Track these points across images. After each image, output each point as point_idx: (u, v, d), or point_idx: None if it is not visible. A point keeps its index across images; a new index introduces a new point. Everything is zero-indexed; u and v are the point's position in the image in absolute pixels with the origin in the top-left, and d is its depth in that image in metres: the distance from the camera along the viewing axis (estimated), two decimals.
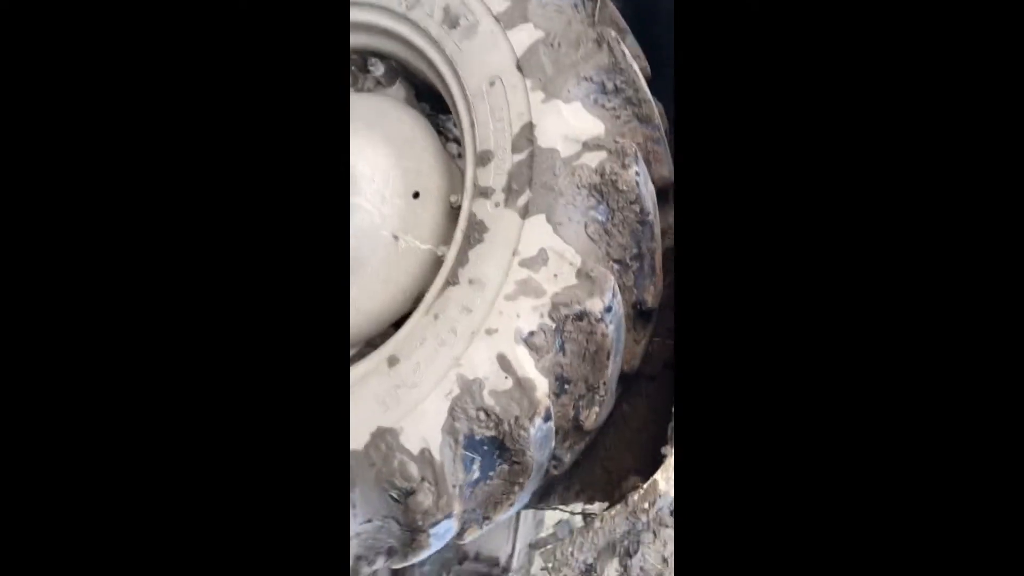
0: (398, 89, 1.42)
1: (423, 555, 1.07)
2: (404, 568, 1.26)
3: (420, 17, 1.21)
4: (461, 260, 1.06)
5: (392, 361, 1.06)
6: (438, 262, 1.23)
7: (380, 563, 1.13)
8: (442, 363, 1.01)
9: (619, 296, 0.99)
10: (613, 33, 1.07)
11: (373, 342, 1.29)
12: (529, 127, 1.05)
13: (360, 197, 1.25)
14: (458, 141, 1.37)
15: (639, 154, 1.01)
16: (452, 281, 1.06)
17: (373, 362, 1.09)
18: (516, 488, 1.04)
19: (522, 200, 1.03)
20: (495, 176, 1.07)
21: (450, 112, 1.26)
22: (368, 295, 1.26)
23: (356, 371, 1.10)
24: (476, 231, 1.06)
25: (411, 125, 1.34)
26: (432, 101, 1.45)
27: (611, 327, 0.98)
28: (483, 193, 1.08)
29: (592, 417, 1.04)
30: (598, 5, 1.14)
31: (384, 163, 1.28)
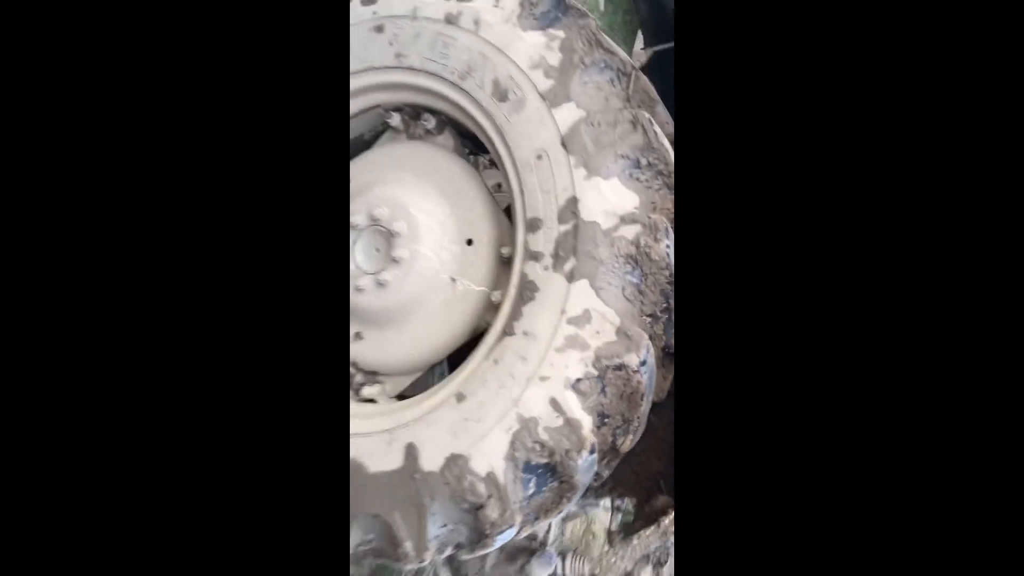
0: (446, 138, 1.58)
1: (487, 552, 1.32)
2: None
3: (471, 87, 1.36)
4: (515, 314, 1.26)
5: (460, 398, 1.28)
6: (490, 302, 1.43)
7: (449, 551, 1.38)
8: (503, 403, 1.23)
9: (652, 350, 1.19)
10: (646, 115, 1.22)
11: (432, 370, 1.51)
12: (573, 201, 1.22)
13: (422, 245, 1.43)
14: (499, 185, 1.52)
15: (669, 228, 1.18)
16: (508, 332, 1.26)
17: (442, 397, 1.31)
18: (564, 501, 1.27)
19: (568, 266, 1.21)
20: (544, 242, 1.25)
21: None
22: (429, 330, 1.47)
23: (428, 403, 1.32)
24: (528, 289, 1.25)
25: (461, 176, 1.50)
26: (476, 143, 1.59)
27: (645, 376, 1.18)
28: (533, 256, 1.26)
29: (627, 443, 1.26)
30: (632, 80, 1.28)
31: (440, 213, 1.46)
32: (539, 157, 1.27)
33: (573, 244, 1.21)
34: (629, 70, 1.28)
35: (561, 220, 1.23)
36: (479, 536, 1.26)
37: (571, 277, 1.21)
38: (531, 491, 1.25)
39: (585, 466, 1.20)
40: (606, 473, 1.33)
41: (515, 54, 1.30)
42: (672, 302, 1.22)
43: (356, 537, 1.35)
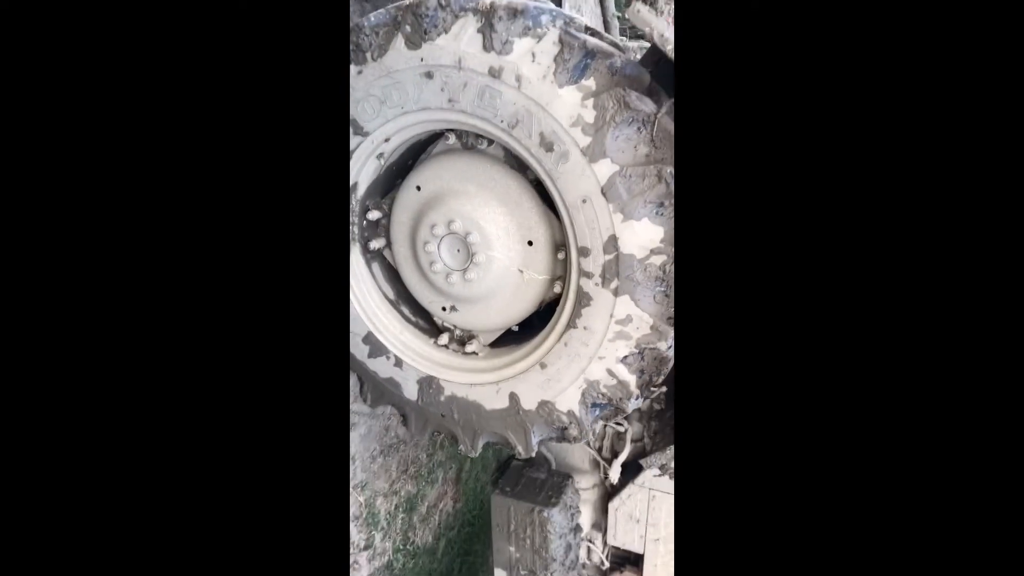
0: (497, 148, 1.88)
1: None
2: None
3: (521, 136, 1.65)
4: (577, 313, 1.77)
5: (543, 366, 1.87)
6: (551, 285, 1.92)
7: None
8: (574, 372, 1.82)
9: (673, 338, 1.71)
10: (668, 169, 1.54)
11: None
12: (613, 239, 1.63)
13: (494, 250, 1.88)
14: None
15: None
16: (572, 325, 1.78)
17: (529, 363, 1.90)
18: (617, 414, 1.94)
19: (613, 285, 1.68)
20: (593, 265, 1.69)
21: None
22: (507, 305, 2.00)
23: (520, 365, 1.92)
24: (584, 299, 1.73)
25: (516, 189, 1.85)
26: None
27: (670, 352, 1.73)
28: (585, 274, 1.71)
29: (660, 381, 1.87)
30: (654, 126, 1.56)
31: (503, 220, 1.87)
32: (584, 201, 1.63)
33: (616, 269, 1.65)
34: (652, 118, 1.55)
35: (605, 251, 1.65)
36: (565, 441, 1.97)
37: (616, 293, 1.68)
38: (596, 414, 1.92)
39: (632, 405, 1.83)
40: (643, 404, 1.96)
41: (556, 111, 1.57)
42: None
43: (482, 442, 2.08)
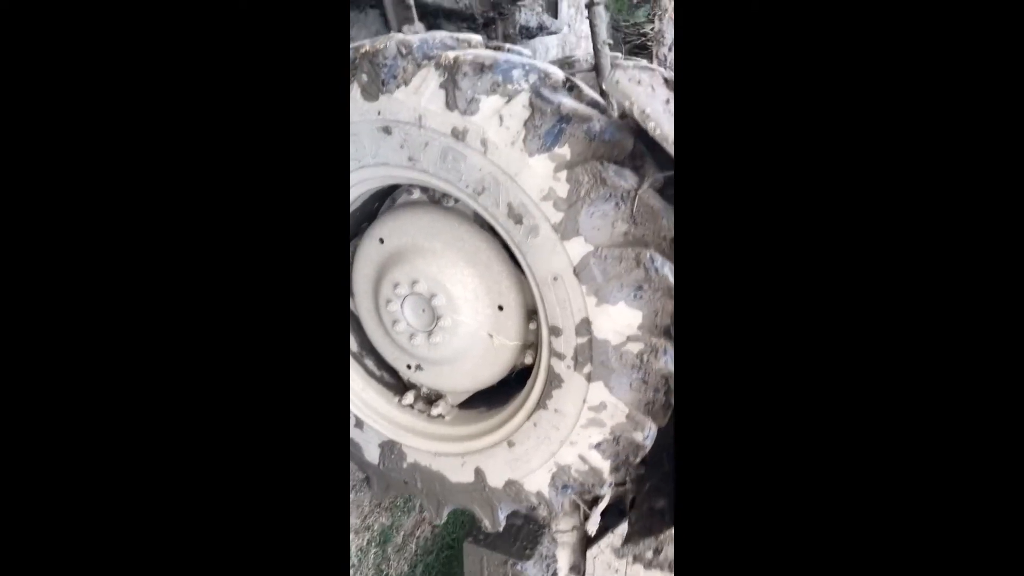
0: (465, 204, 1.70)
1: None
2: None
3: (487, 203, 1.48)
4: (547, 394, 1.61)
5: (510, 444, 1.72)
6: (523, 349, 1.76)
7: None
8: (543, 454, 1.67)
9: (654, 429, 1.55)
10: (648, 254, 1.37)
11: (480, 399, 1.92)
12: (586, 322, 1.46)
13: (461, 314, 1.72)
14: None
15: (667, 347, 1.44)
16: (543, 406, 1.63)
17: (496, 439, 1.75)
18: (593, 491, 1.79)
19: (586, 369, 1.52)
20: (565, 346, 1.52)
21: None
22: (475, 369, 1.84)
23: (486, 440, 1.77)
24: (555, 380, 1.58)
25: (486, 249, 1.69)
26: None
27: (648, 441, 1.58)
28: (556, 355, 1.55)
29: (636, 462, 1.72)
30: (634, 202, 1.39)
31: (472, 283, 1.70)
32: (555, 279, 1.46)
33: (589, 354, 1.49)
34: (632, 194, 1.37)
35: (578, 333, 1.49)
36: (534, 524, 1.83)
37: (589, 378, 1.52)
38: (567, 493, 1.77)
39: (604, 490, 1.68)
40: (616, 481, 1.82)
41: (525, 183, 1.39)
42: (672, 382, 1.54)
43: (447, 511, 1.95)
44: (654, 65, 2.99)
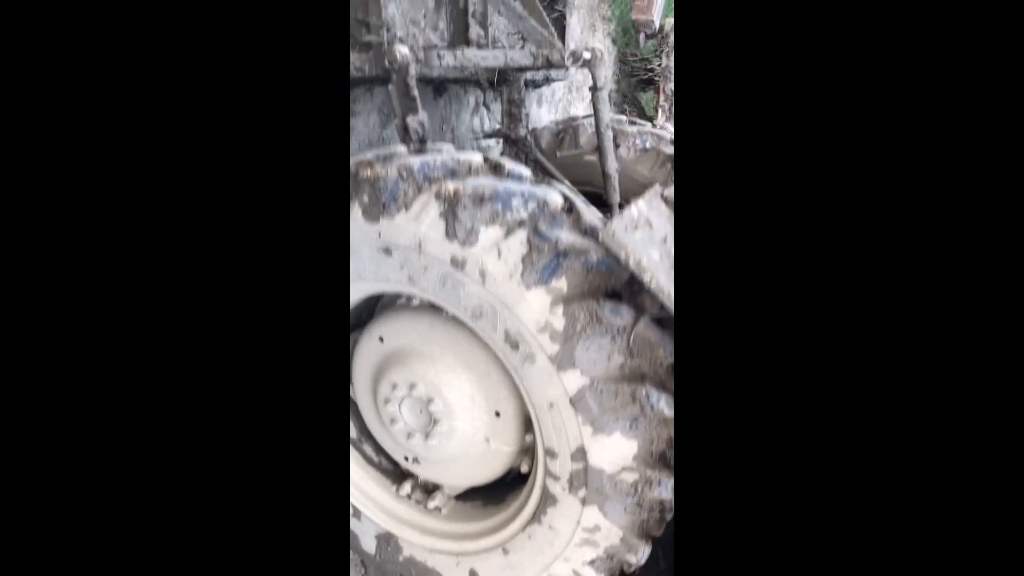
0: None
1: None
2: None
3: (485, 328, 1.48)
4: (542, 510, 1.61)
5: (505, 551, 1.72)
6: (519, 453, 1.76)
7: None
8: (537, 566, 1.67)
9: (647, 550, 1.55)
10: (643, 391, 1.37)
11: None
12: (582, 450, 1.46)
13: (457, 420, 1.72)
14: None
15: (663, 478, 1.43)
16: (538, 520, 1.62)
17: (491, 544, 1.75)
18: None
19: (581, 493, 1.52)
20: (560, 468, 1.53)
21: None
22: (472, 469, 1.84)
23: (482, 543, 1.78)
24: (550, 499, 1.58)
25: (484, 357, 1.69)
26: None
27: (641, 559, 1.57)
28: (552, 476, 1.55)
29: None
30: (631, 336, 1.39)
31: (469, 388, 1.71)
32: (551, 406, 1.46)
33: (584, 479, 1.49)
34: (629, 330, 1.37)
35: (573, 460, 1.49)
36: None
37: (584, 502, 1.52)
38: None
39: None
40: None
41: (522, 314, 1.39)
42: (668, 507, 1.54)
43: None
44: (658, 127, 2.98)
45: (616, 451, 1.43)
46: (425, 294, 1.52)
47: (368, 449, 2.08)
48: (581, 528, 1.55)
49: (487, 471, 1.81)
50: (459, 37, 2.25)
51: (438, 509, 1.95)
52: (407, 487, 2.00)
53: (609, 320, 1.33)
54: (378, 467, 2.06)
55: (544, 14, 2.04)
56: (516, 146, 2.75)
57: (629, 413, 1.39)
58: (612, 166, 2.38)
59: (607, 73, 2.20)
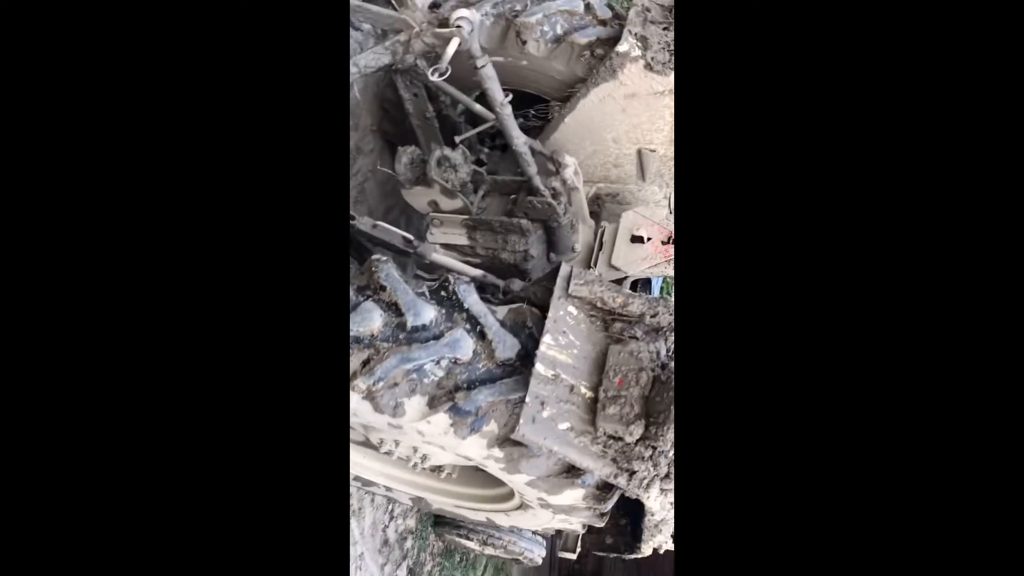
0: None
1: None
2: None
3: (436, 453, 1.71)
4: (525, 507, 2.08)
5: (507, 515, 2.27)
6: None
7: None
8: (541, 521, 2.22)
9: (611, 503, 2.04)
10: (580, 477, 1.65)
11: None
12: (543, 499, 1.84)
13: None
14: None
15: (610, 495, 1.82)
16: (524, 507, 2.11)
17: (494, 509, 2.29)
18: None
19: (550, 511, 1.95)
20: (531, 499, 1.93)
21: None
22: None
23: (486, 507, 2.32)
24: (528, 507, 2.02)
25: None
26: None
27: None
28: (526, 502, 1.96)
29: None
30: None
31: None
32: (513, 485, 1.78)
33: (550, 506, 1.90)
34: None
35: (541, 502, 1.87)
36: None
37: (554, 514, 1.96)
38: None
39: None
40: None
41: (466, 453, 1.61)
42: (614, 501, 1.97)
43: None
44: None
45: (570, 497, 1.80)
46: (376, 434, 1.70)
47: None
48: (556, 518, 2.02)
49: None
50: None
51: (450, 475, 2.44)
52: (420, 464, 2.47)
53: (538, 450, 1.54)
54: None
55: None
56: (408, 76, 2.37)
57: (572, 484, 1.70)
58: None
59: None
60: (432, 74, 1.66)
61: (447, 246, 2.31)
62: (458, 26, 1.68)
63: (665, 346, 1.52)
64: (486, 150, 2.66)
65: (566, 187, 2.36)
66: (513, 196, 2.33)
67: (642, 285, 2.44)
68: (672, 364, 1.43)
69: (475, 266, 2.28)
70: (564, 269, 1.61)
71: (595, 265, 2.32)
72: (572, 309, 1.57)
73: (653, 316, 1.53)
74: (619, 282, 2.46)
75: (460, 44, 1.70)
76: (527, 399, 1.41)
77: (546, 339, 1.49)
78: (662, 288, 2.78)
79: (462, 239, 2.29)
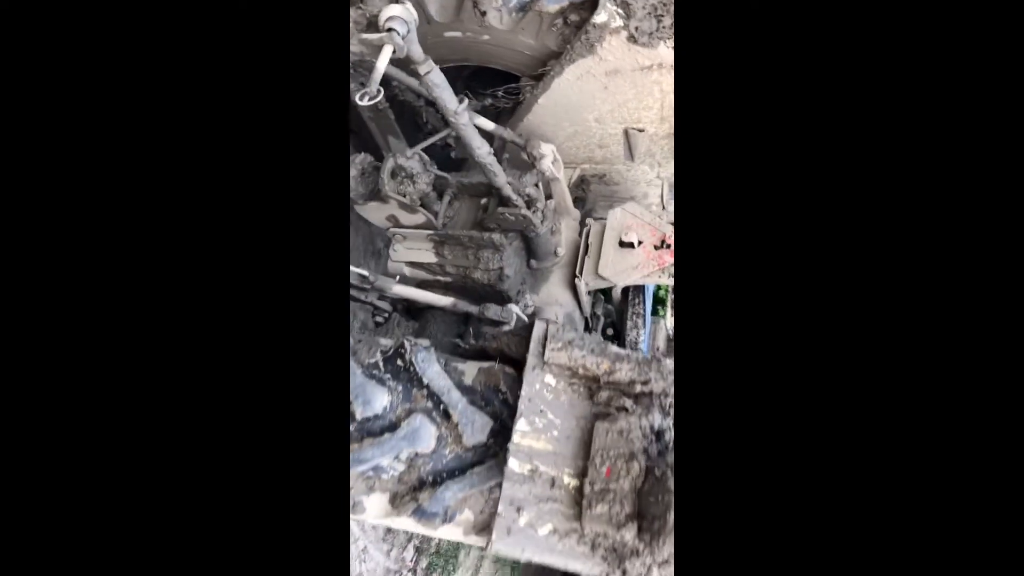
0: None
1: None
2: None
3: None
4: None
5: None
6: None
7: None
8: None
9: None
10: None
11: None
12: None
13: None
14: None
15: None
16: None
17: None
18: None
19: None
20: None
21: None
22: None
23: None
24: None
25: None
26: None
27: None
28: None
29: None
30: None
31: None
32: None
33: None
34: None
35: None
36: None
37: None
38: None
39: None
40: None
41: (444, 535, 1.45)
42: None
43: None
44: None
45: None
46: None
47: None
48: None
49: None
50: None
51: None
52: None
53: None
54: None
55: None
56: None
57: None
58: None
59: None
60: (361, 98, 1.33)
61: (413, 264, 2.05)
62: (389, 29, 1.33)
63: (660, 417, 1.30)
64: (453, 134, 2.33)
65: (544, 179, 2.06)
66: (484, 200, 2.04)
67: (633, 292, 2.18)
68: (669, 455, 1.22)
69: (445, 285, 2.03)
70: (538, 329, 1.37)
71: (581, 273, 2.06)
72: (550, 379, 1.35)
73: (644, 383, 1.31)
74: (607, 291, 2.21)
75: (394, 52, 1.36)
76: (499, 508, 1.21)
77: (520, 425, 1.28)
78: (656, 293, 2.52)
79: (429, 255, 2.02)
